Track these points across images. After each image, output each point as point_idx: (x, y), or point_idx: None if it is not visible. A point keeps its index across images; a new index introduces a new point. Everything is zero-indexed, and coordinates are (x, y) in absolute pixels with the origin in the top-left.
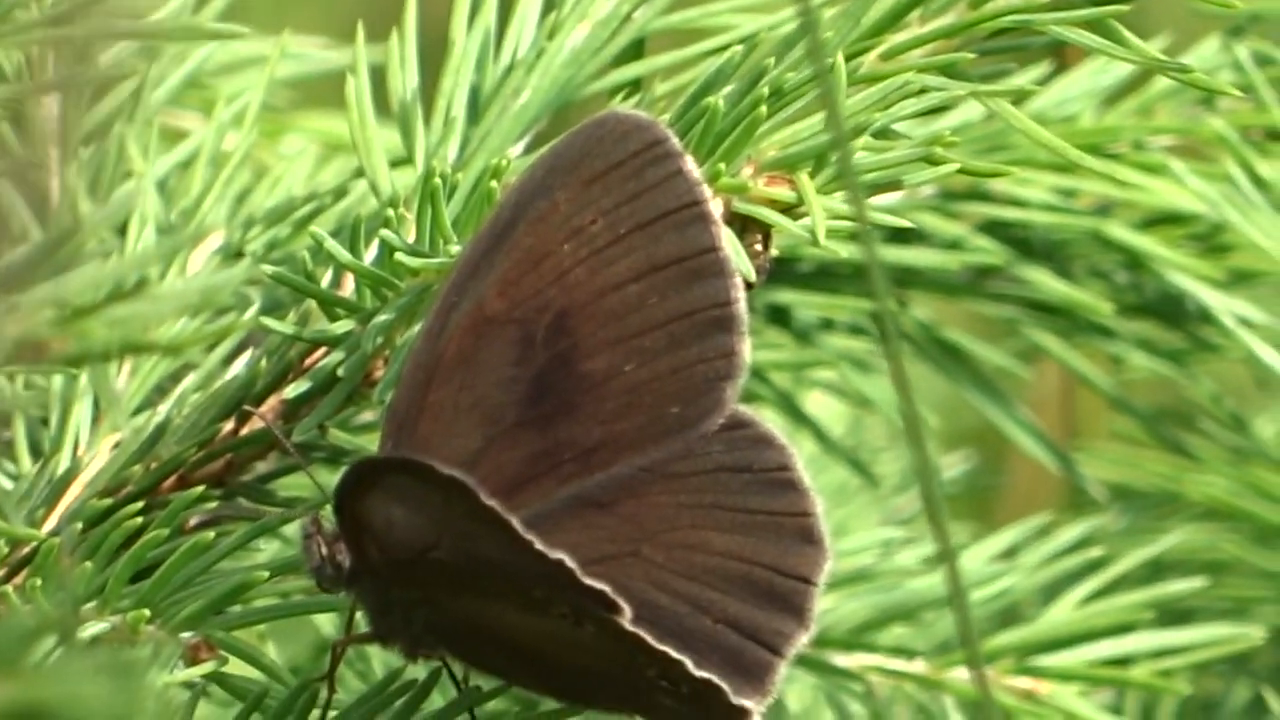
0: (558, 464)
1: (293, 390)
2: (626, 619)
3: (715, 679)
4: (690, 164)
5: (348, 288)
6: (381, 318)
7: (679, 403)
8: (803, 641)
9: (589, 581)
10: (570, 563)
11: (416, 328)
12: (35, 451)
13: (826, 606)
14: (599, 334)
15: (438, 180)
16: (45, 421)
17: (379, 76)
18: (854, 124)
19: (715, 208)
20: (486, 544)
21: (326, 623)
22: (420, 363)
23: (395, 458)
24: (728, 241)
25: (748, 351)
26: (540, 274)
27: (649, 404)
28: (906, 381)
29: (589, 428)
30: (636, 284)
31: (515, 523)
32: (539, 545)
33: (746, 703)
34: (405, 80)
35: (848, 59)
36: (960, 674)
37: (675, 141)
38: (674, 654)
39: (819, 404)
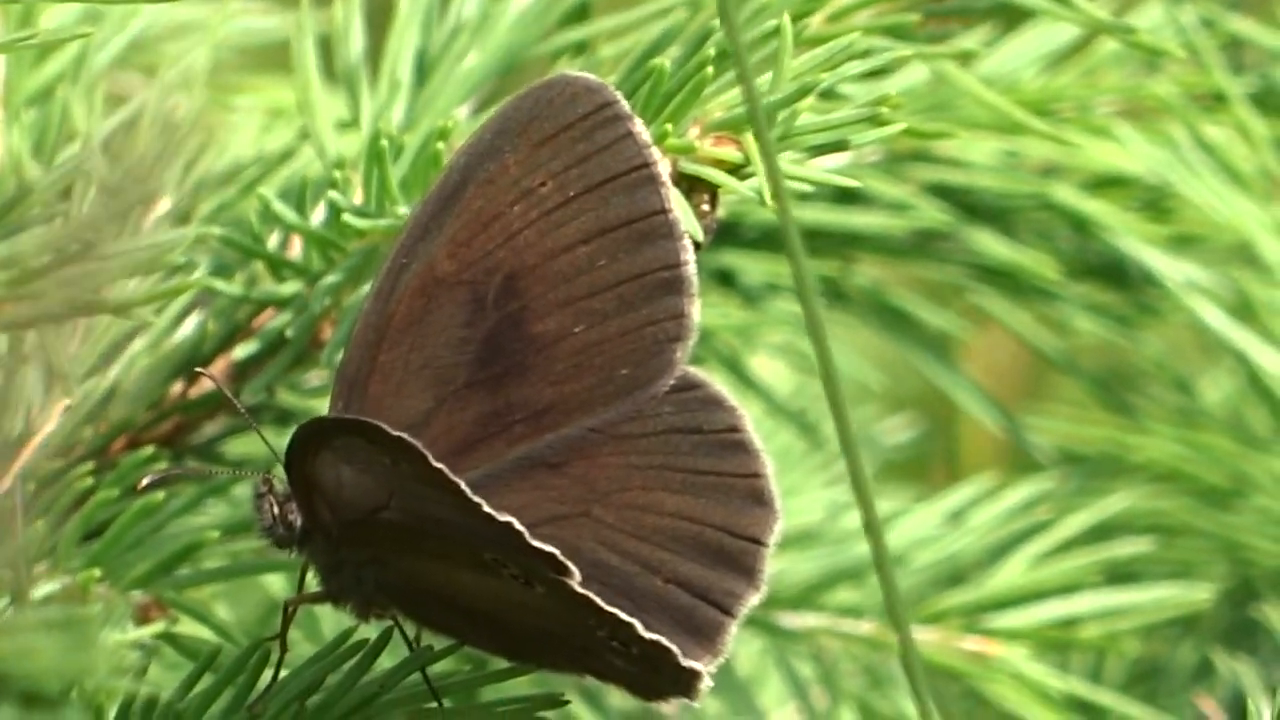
0: (508, 425)
1: (241, 352)
2: (575, 581)
3: (664, 641)
4: (640, 126)
5: (295, 249)
6: (329, 279)
7: (629, 364)
8: (754, 602)
9: (537, 544)
10: (518, 526)
11: (365, 289)
12: None
13: (775, 568)
14: (549, 296)
15: (384, 142)
16: None
17: (324, 41)
18: (800, 85)
19: (665, 170)
20: (435, 506)
21: (277, 583)
22: (370, 324)
23: (343, 419)
24: (677, 204)
25: (697, 314)
26: (490, 235)
27: (599, 365)
28: (825, 343)
29: (539, 389)
30: (586, 246)
31: (462, 485)
32: (486, 508)
33: (696, 664)
34: (350, 43)
35: (794, 19)
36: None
37: (624, 104)
38: (623, 616)
39: (765, 367)
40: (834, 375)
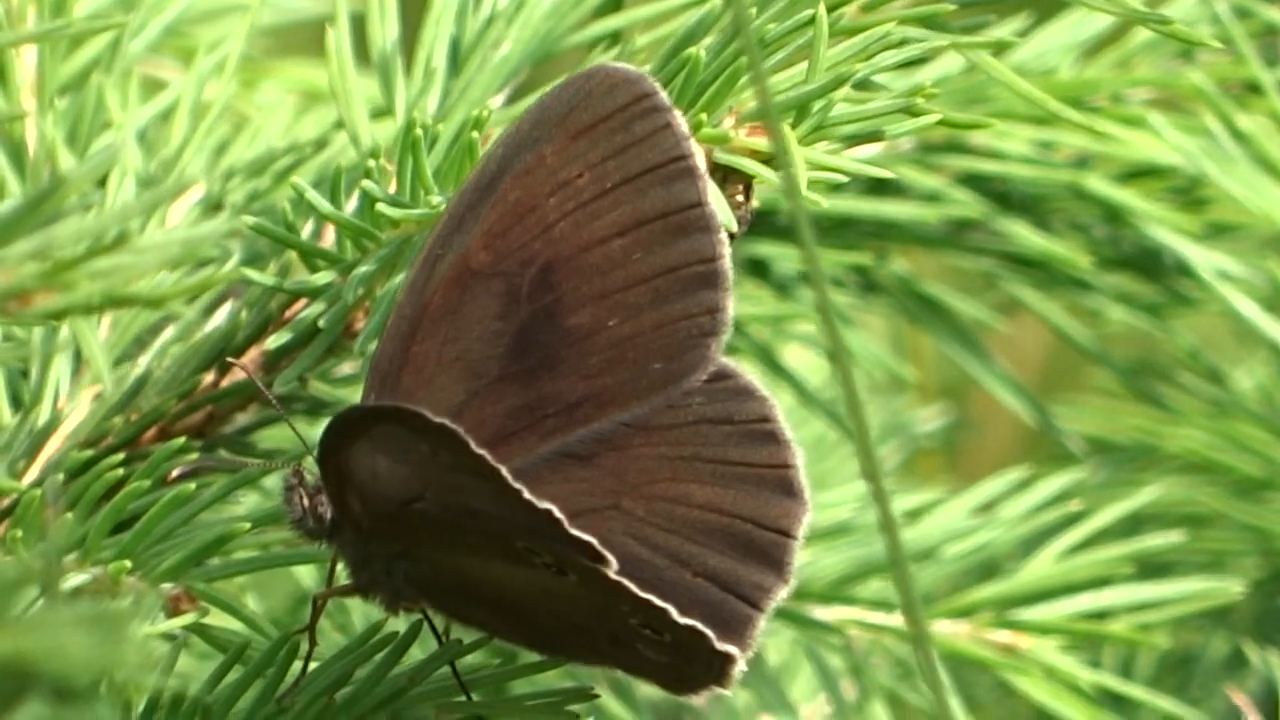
0: (540, 419)
1: (273, 342)
2: (612, 570)
3: (699, 625)
4: (678, 118)
5: (328, 239)
6: (362, 269)
7: (663, 358)
8: (782, 595)
9: (575, 532)
10: (558, 513)
11: (398, 279)
12: (16, 403)
13: (805, 560)
14: (584, 288)
15: (419, 131)
16: (25, 373)
17: (359, 26)
18: (835, 75)
19: (702, 162)
20: (472, 495)
21: (307, 575)
22: (404, 315)
23: (384, 405)
24: (714, 197)
25: (733, 308)
26: (526, 227)
27: (633, 359)
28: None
29: (572, 382)
30: (622, 238)
31: (504, 472)
32: (527, 495)
33: (730, 648)
34: (385, 31)
35: (830, 9)
36: (941, 627)
37: (663, 96)
38: (657, 602)
39: (797, 357)
40: (848, 373)
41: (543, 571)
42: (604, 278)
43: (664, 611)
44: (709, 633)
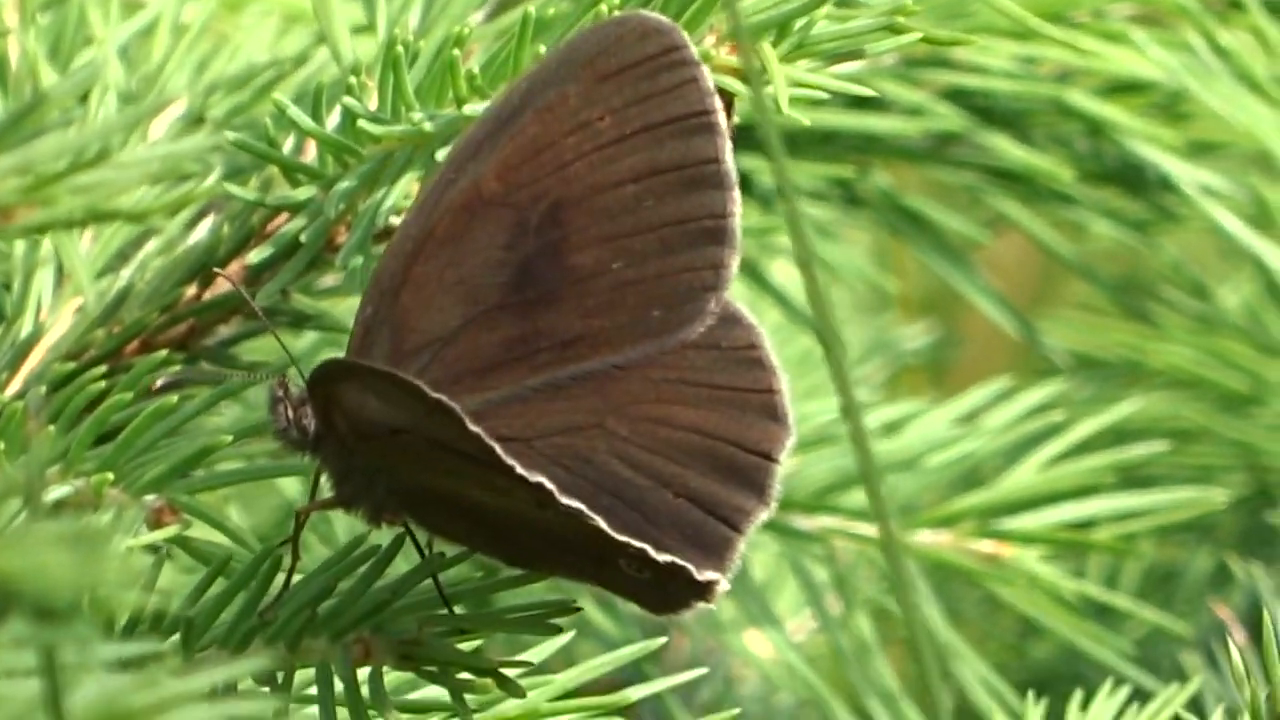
0: (533, 352)
1: (255, 256)
2: (601, 525)
3: (679, 561)
4: (705, 74)
5: (310, 154)
6: (344, 184)
7: (661, 307)
8: (763, 518)
9: (567, 501)
10: (550, 486)
11: (379, 194)
12: None
13: (789, 470)
14: (591, 229)
15: (399, 48)
16: (8, 286)
17: None
18: None
19: (724, 121)
20: (460, 444)
21: (291, 487)
22: (409, 234)
23: (382, 370)
24: (731, 156)
25: (736, 266)
26: (541, 162)
27: (632, 305)
28: (809, 244)
29: (569, 320)
30: (635, 185)
31: (497, 449)
32: (520, 470)
33: (712, 574)
34: None
35: None
36: (923, 537)
37: (693, 50)
38: (635, 544)
39: (784, 273)
40: (815, 279)
41: (523, 504)
42: (613, 221)
43: (642, 551)
44: (689, 566)
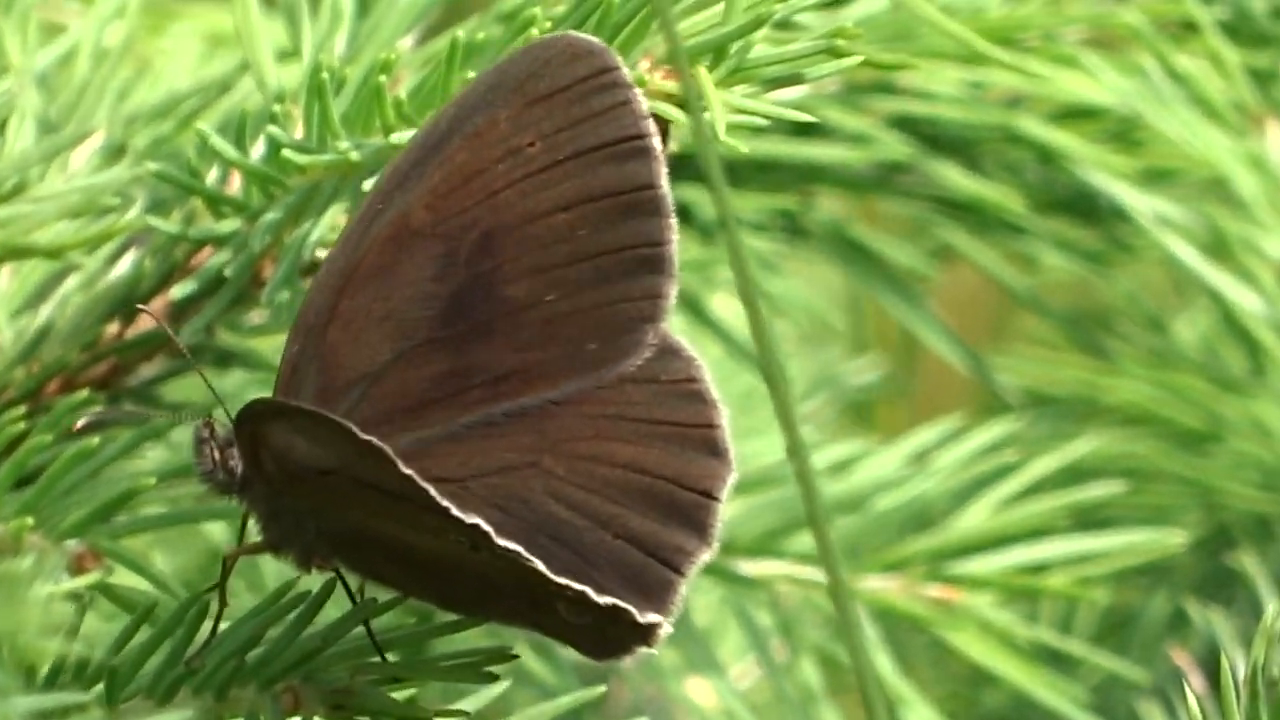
0: (466, 388)
1: (179, 291)
2: (539, 567)
3: (621, 604)
4: (638, 96)
5: (234, 186)
6: (269, 216)
7: (598, 339)
8: (705, 559)
9: (504, 543)
10: (486, 527)
11: (305, 227)
12: None
13: (733, 513)
14: (524, 259)
15: (325, 75)
16: None
17: None
18: (753, 15)
19: (659, 145)
20: (392, 486)
21: (217, 531)
22: (335, 268)
23: (313, 412)
24: (667, 181)
25: (674, 296)
26: (470, 191)
27: (567, 337)
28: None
29: (502, 354)
30: (568, 212)
31: (432, 491)
32: (455, 511)
33: (654, 617)
34: None
35: None
36: (871, 582)
37: (625, 72)
38: (575, 586)
39: (725, 306)
40: (759, 314)
41: (456, 546)
42: (546, 251)
43: (582, 594)
44: (630, 608)
